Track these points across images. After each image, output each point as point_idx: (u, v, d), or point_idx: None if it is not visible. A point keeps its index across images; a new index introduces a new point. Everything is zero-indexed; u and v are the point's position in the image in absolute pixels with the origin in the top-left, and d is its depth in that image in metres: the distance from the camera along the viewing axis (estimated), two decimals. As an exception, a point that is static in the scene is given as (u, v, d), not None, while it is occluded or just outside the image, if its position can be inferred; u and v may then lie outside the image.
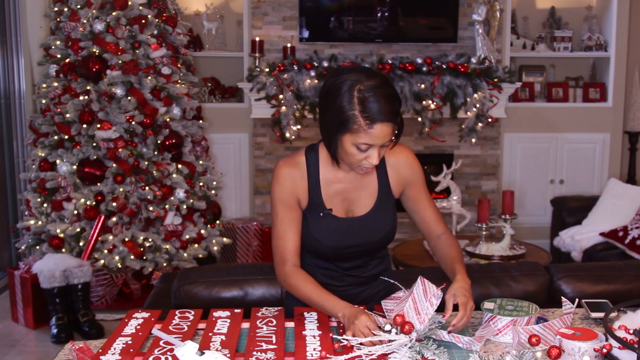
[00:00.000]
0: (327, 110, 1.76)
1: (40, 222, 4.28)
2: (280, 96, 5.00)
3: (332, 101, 1.73)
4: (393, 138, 1.76)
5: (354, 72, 1.74)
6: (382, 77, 1.74)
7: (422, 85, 5.03)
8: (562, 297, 1.87)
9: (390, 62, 5.05)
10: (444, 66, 5.04)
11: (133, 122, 4.20)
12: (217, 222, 4.75)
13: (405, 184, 1.96)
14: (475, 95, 5.05)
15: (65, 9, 4.35)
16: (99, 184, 4.20)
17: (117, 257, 4.13)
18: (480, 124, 5.16)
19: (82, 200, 4.16)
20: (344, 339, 1.63)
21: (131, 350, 1.61)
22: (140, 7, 4.29)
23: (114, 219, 4.20)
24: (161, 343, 1.65)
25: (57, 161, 4.24)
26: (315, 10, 5.23)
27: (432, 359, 1.57)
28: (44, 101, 4.36)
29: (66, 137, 4.24)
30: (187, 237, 4.36)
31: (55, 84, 4.30)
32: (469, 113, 5.12)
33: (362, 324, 1.64)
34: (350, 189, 1.92)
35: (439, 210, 2.03)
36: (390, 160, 1.94)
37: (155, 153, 4.29)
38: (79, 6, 4.28)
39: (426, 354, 1.59)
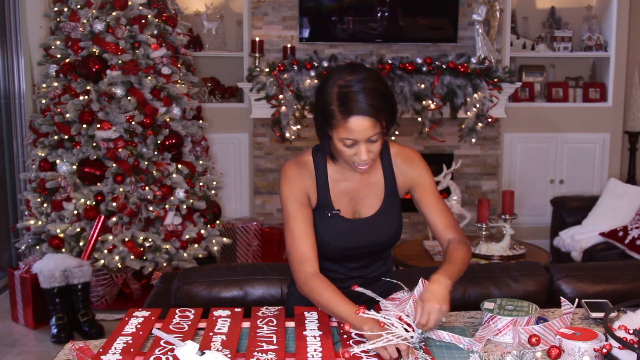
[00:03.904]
0: (316, 109, 1.80)
1: (40, 222, 4.28)
2: (280, 96, 5.00)
3: (318, 100, 1.77)
4: (380, 132, 1.73)
5: (340, 69, 1.77)
6: (368, 73, 1.74)
7: (422, 85, 5.03)
8: (561, 297, 1.87)
9: (390, 62, 5.05)
10: (444, 66, 5.04)
11: (133, 122, 4.20)
12: (217, 222, 4.75)
13: (411, 185, 1.95)
14: (475, 95, 5.05)
15: (65, 9, 4.35)
16: (99, 184, 4.20)
17: (117, 257, 4.13)
18: (480, 124, 5.16)
19: (82, 200, 4.16)
20: (362, 351, 1.62)
21: (132, 350, 1.61)
22: (140, 7, 4.29)
23: (114, 219, 4.20)
24: (162, 343, 1.65)
25: (57, 161, 4.24)
26: (315, 10, 5.23)
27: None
28: (44, 101, 4.36)
29: (66, 137, 4.24)
30: (187, 237, 4.36)
31: (55, 84, 4.30)
32: (469, 113, 5.12)
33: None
34: (357, 188, 1.92)
35: (452, 215, 1.97)
36: (396, 160, 1.94)
37: (155, 153, 4.29)
38: (79, 6, 4.28)
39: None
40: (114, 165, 4.19)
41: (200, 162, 4.61)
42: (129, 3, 4.26)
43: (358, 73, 1.73)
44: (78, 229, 4.16)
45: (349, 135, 1.73)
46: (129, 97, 4.21)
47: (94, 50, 4.22)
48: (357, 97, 1.70)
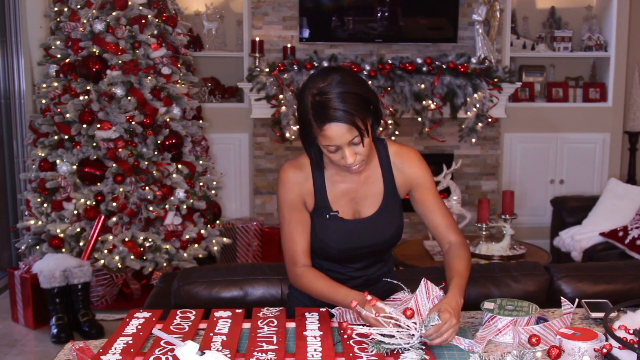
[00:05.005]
0: (298, 119, 1.81)
1: (40, 222, 4.28)
2: (280, 96, 5.00)
3: (298, 110, 1.79)
4: (361, 134, 1.72)
5: (314, 77, 1.77)
6: (339, 76, 1.73)
7: (422, 85, 5.03)
8: (562, 297, 1.87)
9: (390, 62, 5.05)
10: (444, 66, 5.04)
11: (133, 122, 4.21)
12: (217, 222, 4.75)
13: (411, 185, 1.95)
14: (475, 95, 5.05)
15: (65, 9, 4.35)
16: (99, 184, 4.20)
17: (117, 257, 4.13)
18: (480, 124, 5.16)
19: (82, 200, 4.16)
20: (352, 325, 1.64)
21: (132, 350, 1.61)
22: (140, 7, 4.29)
23: (114, 219, 4.20)
24: (162, 343, 1.65)
25: (57, 161, 4.24)
26: (315, 10, 5.23)
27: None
28: (44, 101, 4.36)
29: (66, 137, 4.24)
30: (187, 237, 4.36)
31: (55, 84, 4.30)
32: (469, 113, 5.12)
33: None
34: (356, 188, 1.92)
35: (451, 215, 1.97)
36: (395, 160, 1.94)
37: (155, 153, 4.29)
38: (79, 6, 4.28)
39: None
40: (114, 165, 4.19)
41: (200, 162, 4.61)
42: (129, 3, 4.26)
43: (330, 79, 1.72)
44: (78, 229, 4.16)
45: (329, 142, 1.73)
46: (129, 97, 4.21)
47: (94, 50, 4.22)
48: (329, 104, 1.70)
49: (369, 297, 1.67)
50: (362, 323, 1.73)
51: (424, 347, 1.62)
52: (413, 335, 1.61)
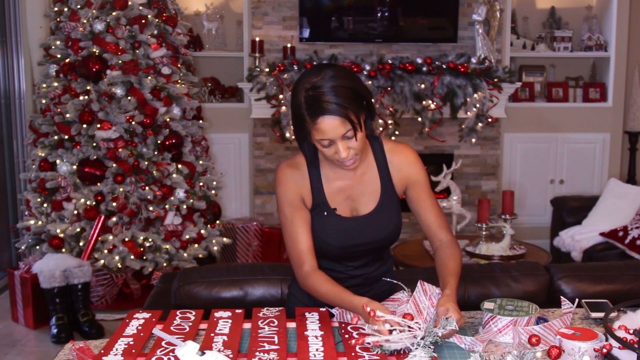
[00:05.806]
0: (292, 115, 1.82)
1: (40, 222, 4.28)
2: (280, 96, 5.00)
3: (292, 106, 1.79)
4: (354, 128, 1.73)
5: (307, 73, 1.78)
6: (333, 71, 1.75)
7: (422, 85, 5.03)
8: (562, 297, 1.87)
9: (390, 62, 5.05)
10: (444, 66, 5.04)
11: (133, 122, 4.21)
12: (217, 222, 4.75)
13: (407, 183, 1.96)
14: (475, 95, 5.06)
15: (65, 9, 4.35)
16: (99, 184, 4.20)
17: (117, 257, 4.13)
18: (480, 124, 5.16)
19: (82, 200, 4.16)
20: (359, 326, 1.65)
21: (133, 350, 1.61)
22: (140, 7, 4.29)
23: (114, 219, 4.20)
24: (163, 344, 1.65)
25: (57, 161, 4.24)
26: (315, 10, 5.23)
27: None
28: (44, 101, 4.36)
29: (66, 137, 4.24)
30: (187, 237, 4.37)
31: (55, 84, 4.30)
32: (469, 113, 5.12)
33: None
34: (353, 185, 1.92)
35: (444, 215, 1.99)
36: (392, 158, 1.94)
37: (155, 153, 4.30)
38: (79, 6, 4.28)
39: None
40: (114, 165, 4.19)
41: (200, 162, 4.61)
42: (129, 3, 4.26)
43: (323, 73, 1.74)
44: (78, 229, 4.16)
45: (322, 136, 1.74)
46: (129, 97, 4.21)
47: (94, 50, 4.22)
48: (322, 97, 1.71)
49: (367, 309, 1.65)
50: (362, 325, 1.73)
51: (432, 347, 1.61)
52: (417, 336, 1.60)
